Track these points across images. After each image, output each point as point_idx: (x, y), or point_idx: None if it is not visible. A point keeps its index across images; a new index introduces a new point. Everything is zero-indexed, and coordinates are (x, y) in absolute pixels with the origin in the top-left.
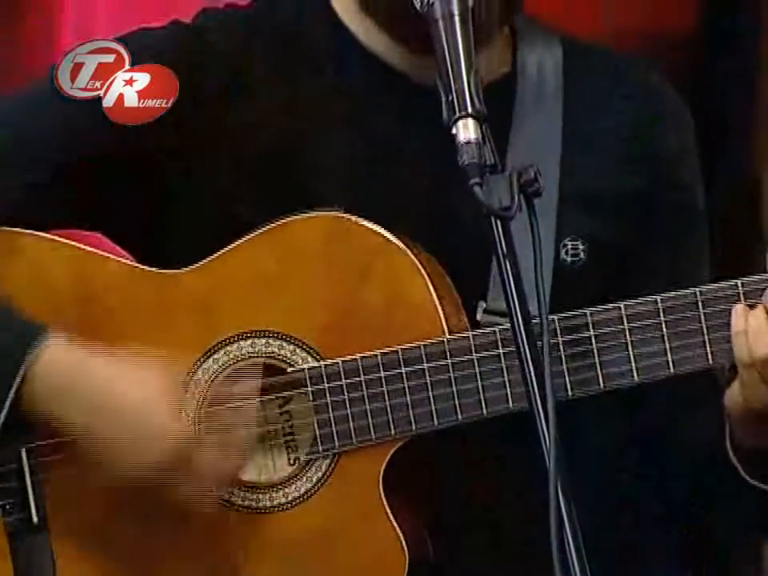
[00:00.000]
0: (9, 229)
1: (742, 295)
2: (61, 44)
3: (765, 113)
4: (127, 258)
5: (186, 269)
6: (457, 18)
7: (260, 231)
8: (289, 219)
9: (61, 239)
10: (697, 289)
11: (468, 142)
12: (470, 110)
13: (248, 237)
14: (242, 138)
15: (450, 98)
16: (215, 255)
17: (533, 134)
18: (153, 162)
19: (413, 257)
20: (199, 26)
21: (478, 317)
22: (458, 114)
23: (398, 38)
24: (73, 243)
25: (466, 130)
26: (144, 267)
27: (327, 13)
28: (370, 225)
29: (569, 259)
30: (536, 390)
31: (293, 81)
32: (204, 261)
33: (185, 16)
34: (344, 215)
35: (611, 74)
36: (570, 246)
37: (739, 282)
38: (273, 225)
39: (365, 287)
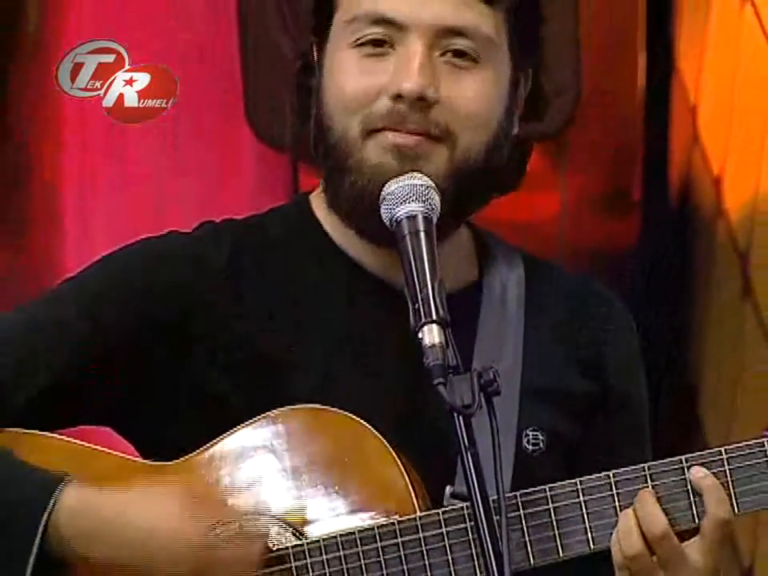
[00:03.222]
0: (13, 430)
1: (685, 469)
2: (65, 265)
3: (702, 328)
4: (130, 452)
5: (174, 461)
6: (422, 235)
7: (245, 425)
8: (271, 413)
9: (63, 438)
10: (645, 464)
11: (433, 346)
12: (434, 316)
13: (233, 430)
14: (231, 342)
15: (417, 305)
16: (202, 448)
17: (497, 337)
18: (149, 364)
19: (386, 445)
20: (197, 237)
21: (445, 501)
22: (423, 320)
23: (369, 238)
24: (73, 441)
25: (431, 335)
26: (136, 459)
27: (312, 224)
28: (347, 416)
29: (530, 447)
30: (494, 564)
31: (278, 288)
32: (191, 454)
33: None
34: (323, 407)
35: (566, 289)
36: (531, 436)
37: (683, 458)
38: (257, 419)
39: (343, 472)
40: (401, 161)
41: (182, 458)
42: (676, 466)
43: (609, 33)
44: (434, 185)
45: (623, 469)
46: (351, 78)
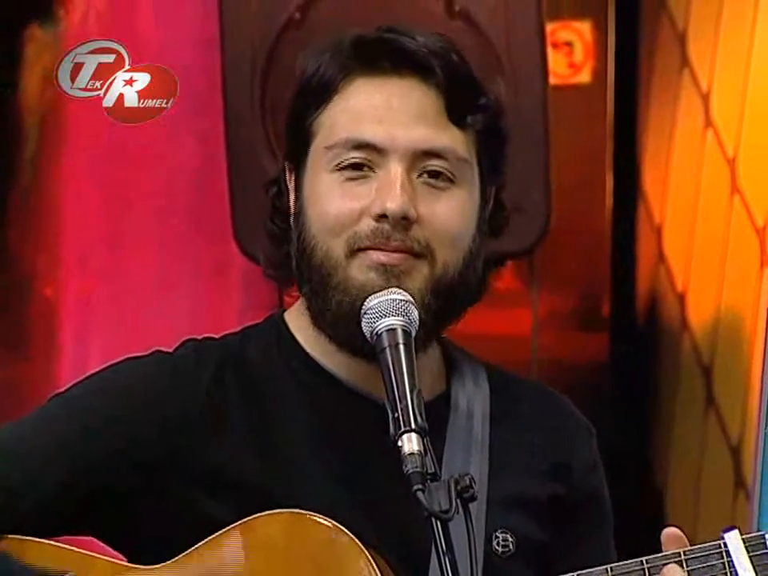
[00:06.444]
0: (17, 537)
1: (647, 571)
2: (61, 383)
3: (668, 438)
4: (116, 557)
5: (162, 564)
6: (401, 347)
7: (228, 528)
8: (251, 518)
9: (60, 545)
10: (607, 566)
11: (411, 453)
12: (413, 425)
13: (218, 533)
14: (216, 463)
15: (396, 414)
16: (188, 552)
17: (463, 448)
18: (135, 481)
19: (362, 547)
20: (181, 357)
21: None
22: (402, 429)
23: (349, 350)
24: (69, 548)
25: (410, 443)
26: (128, 564)
27: (289, 341)
28: (323, 520)
29: (500, 550)
30: None
31: (261, 406)
32: (178, 557)
33: None
34: (300, 512)
35: (528, 399)
36: (500, 538)
37: (644, 559)
38: (237, 524)
39: (319, 573)
40: (385, 278)
41: (169, 561)
42: (637, 567)
43: (577, 156)
44: (412, 299)
45: (587, 570)
46: (334, 202)
